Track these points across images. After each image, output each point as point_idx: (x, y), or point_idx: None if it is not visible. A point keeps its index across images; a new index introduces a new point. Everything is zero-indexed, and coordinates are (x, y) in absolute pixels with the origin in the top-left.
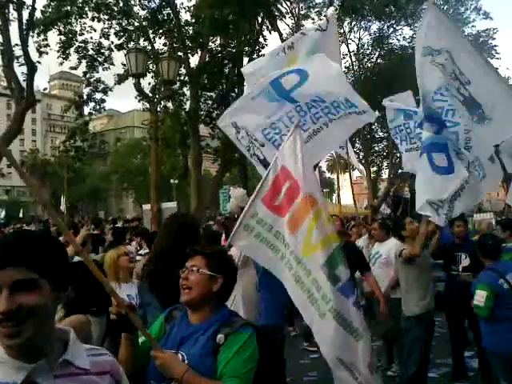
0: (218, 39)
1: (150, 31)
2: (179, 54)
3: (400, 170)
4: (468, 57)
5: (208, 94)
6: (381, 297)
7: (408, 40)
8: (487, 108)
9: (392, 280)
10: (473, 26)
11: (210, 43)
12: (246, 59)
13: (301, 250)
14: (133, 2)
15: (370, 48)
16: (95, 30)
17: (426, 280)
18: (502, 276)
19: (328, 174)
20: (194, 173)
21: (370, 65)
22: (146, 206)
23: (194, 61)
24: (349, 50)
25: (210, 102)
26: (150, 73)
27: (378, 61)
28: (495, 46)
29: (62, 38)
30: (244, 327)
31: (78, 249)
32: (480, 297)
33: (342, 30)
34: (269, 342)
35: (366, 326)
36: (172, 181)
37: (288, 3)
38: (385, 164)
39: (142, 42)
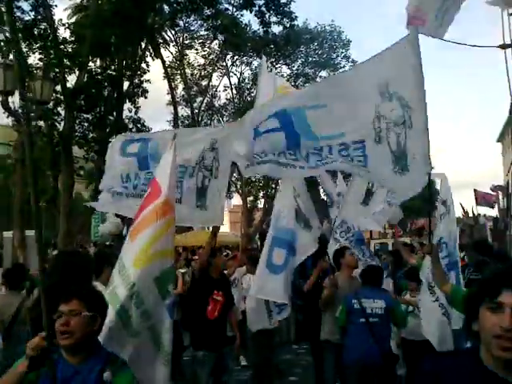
0: (99, 60)
1: (24, 45)
2: (56, 70)
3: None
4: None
5: (84, 115)
6: (238, 335)
7: (286, 78)
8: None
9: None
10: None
11: (90, 63)
12: (126, 83)
13: (132, 258)
14: (4, 9)
15: (250, 82)
16: None
17: None
18: (357, 297)
19: None
20: (64, 196)
21: (250, 98)
22: (8, 234)
23: (71, 80)
24: (230, 83)
25: (86, 124)
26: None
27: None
28: None
29: None
30: (126, 365)
31: None
32: (338, 310)
33: (224, 63)
34: None
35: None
36: (39, 204)
37: (172, 32)
38: (261, 194)
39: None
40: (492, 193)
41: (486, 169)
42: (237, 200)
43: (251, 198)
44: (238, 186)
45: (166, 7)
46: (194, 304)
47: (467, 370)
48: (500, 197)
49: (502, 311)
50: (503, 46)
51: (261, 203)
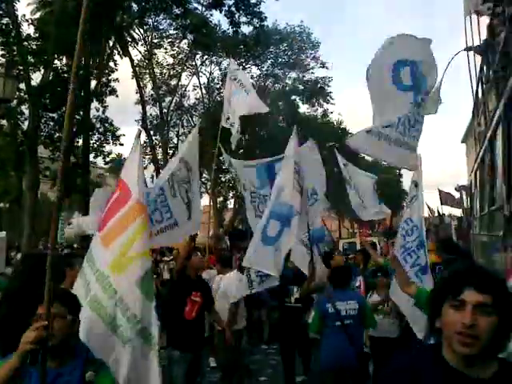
0: (65, 58)
1: None
2: (19, 68)
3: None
4: None
5: (50, 114)
6: (226, 328)
7: (255, 79)
8: None
9: (230, 314)
10: (312, 73)
11: (56, 61)
12: (93, 82)
13: (110, 265)
14: None
15: (219, 82)
16: None
17: None
18: (331, 301)
19: None
20: (29, 197)
21: (219, 98)
22: None
23: (36, 77)
24: (200, 83)
25: (51, 123)
26: None
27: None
28: (330, 92)
29: None
30: (105, 364)
31: None
32: (311, 315)
33: (193, 63)
34: None
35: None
36: (2, 204)
37: (141, 30)
38: (231, 194)
39: None
40: (456, 192)
41: (452, 169)
42: (206, 200)
43: (221, 199)
44: (208, 187)
45: (134, 5)
46: (171, 304)
47: (430, 366)
48: (464, 196)
49: (463, 308)
50: (468, 49)
51: (231, 204)
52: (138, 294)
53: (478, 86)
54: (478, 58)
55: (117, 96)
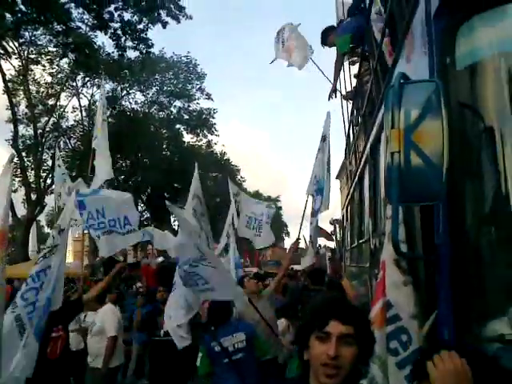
0: None
1: None
2: None
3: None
4: None
5: None
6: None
7: (140, 105)
8: None
9: (109, 350)
10: (197, 103)
11: None
12: None
13: None
14: None
15: None
16: None
17: None
18: (215, 339)
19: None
20: None
21: None
22: None
23: None
24: (80, 105)
25: None
26: None
27: (109, 120)
28: (215, 124)
29: None
30: None
31: None
32: (198, 358)
33: (74, 84)
34: None
35: None
36: None
37: (16, 44)
38: None
39: None
40: (331, 226)
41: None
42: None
43: None
44: None
45: (8, 15)
46: None
47: None
48: (337, 229)
49: (328, 340)
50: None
51: None
52: None
53: (349, 129)
54: (350, 103)
55: None
